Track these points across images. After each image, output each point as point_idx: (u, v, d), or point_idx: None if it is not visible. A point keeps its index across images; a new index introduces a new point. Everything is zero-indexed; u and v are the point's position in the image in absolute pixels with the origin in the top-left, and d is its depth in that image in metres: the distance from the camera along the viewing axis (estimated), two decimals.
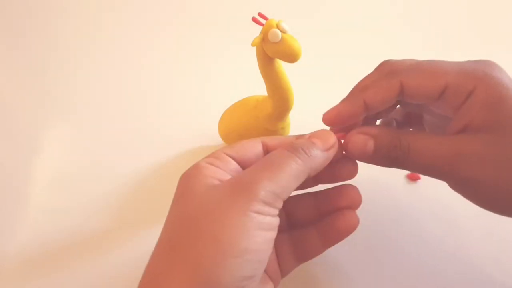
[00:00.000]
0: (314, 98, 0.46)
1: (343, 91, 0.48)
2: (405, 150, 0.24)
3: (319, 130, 0.25)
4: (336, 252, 0.35)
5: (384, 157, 0.25)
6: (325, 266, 0.34)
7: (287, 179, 0.21)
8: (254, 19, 0.26)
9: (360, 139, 0.25)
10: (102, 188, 0.39)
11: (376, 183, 0.39)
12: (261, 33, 0.27)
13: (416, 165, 0.24)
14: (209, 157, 0.23)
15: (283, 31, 0.26)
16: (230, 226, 0.19)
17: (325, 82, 0.47)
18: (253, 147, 0.24)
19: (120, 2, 0.57)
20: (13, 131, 0.44)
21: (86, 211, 0.37)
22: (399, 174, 0.40)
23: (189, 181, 0.22)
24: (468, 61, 0.24)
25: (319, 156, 0.23)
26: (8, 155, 0.42)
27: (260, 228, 0.19)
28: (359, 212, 0.37)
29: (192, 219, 0.20)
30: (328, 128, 0.27)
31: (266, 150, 0.25)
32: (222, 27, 0.55)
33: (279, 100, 0.32)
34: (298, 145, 0.23)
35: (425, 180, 0.39)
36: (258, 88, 0.33)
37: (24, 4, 0.56)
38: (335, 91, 0.47)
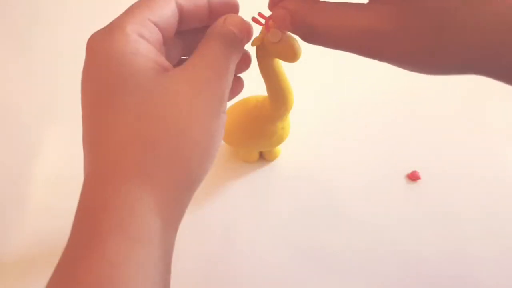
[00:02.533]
0: (314, 98, 0.46)
1: (343, 91, 0.48)
2: (310, 30, 0.23)
3: (233, 17, 0.24)
4: (336, 251, 0.35)
5: (299, 34, 0.24)
6: (324, 265, 0.34)
7: (232, 72, 0.23)
8: (254, 19, 0.26)
9: (279, 14, 0.24)
10: None
11: (376, 183, 0.39)
12: (261, 32, 0.27)
13: (327, 44, 0.23)
14: (133, 22, 0.21)
15: (283, 31, 0.26)
16: (207, 129, 0.21)
17: (325, 82, 0.47)
18: (168, 5, 0.23)
19: (121, 4, 0.57)
20: (14, 131, 0.44)
21: None
22: (399, 174, 0.40)
23: (124, 60, 0.20)
24: None
25: (243, 44, 0.24)
26: (8, 155, 0.42)
27: (223, 125, 0.22)
28: (359, 211, 0.37)
29: (164, 117, 0.20)
30: None
31: (180, 7, 0.23)
32: None
33: (279, 100, 0.32)
34: (231, 40, 0.23)
35: (425, 180, 0.39)
36: (258, 88, 0.33)
37: (26, 5, 0.56)
38: (335, 91, 0.47)
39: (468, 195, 0.38)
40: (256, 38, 0.27)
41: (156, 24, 0.22)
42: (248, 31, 0.24)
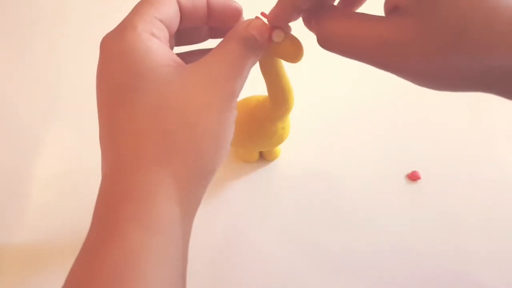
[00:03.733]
0: (315, 98, 0.46)
1: (343, 91, 0.48)
2: (329, 35, 0.23)
3: (256, 22, 0.25)
4: (336, 250, 0.35)
5: (317, 37, 0.24)
6: (324, 264, 0.34)
7: (247, 73, 0.24)
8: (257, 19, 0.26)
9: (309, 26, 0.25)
10: None
11: (376, 183, 0.39)
12: None
13: (343, 52, 0.24)
14: (143, 21, 0.21)
15: (286, 31, 0.26)
16: (222, 123, 0.22)
17: (326, 82, 0.47)
18: (171, 3, 0.23)
19: (120, 4, 0.57)
20: (14, 130, 0.44)
21: (87, 211, 0.37)
22: (399, 174, 0.40)
23: (139, 58, 0.21)
24: None
25: (263, 49, 0.25)
26: (9, 155, 0.42)
27: (234, 120, 0.23)
28: (359, 211, 0.37)
29: (180, 109, 0.21)
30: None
31: (180, 6, 0.24)
32: None
33: (280, 100, 0.32)
34: (251, 43, 0.24)
35: (425, 180, 0.39)
36: (258, 88, 0.33)
37: (25, 4, 0.56)
38: (335, 91, 0.47)
39: (468, 195, 0.38)
40: None
41: (162, 22, 0.22)
42: (268, 36, 0.25)
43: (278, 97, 0.32)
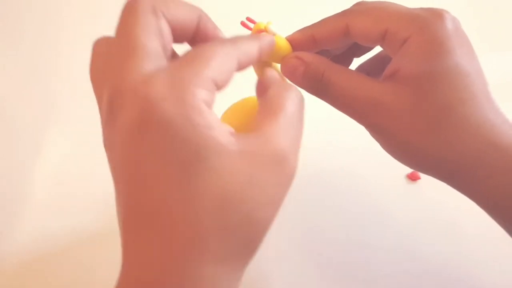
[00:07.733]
0: (314, 97, 0.46)
1: None
2: (325, 84, 0.25)
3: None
4: (336, 250, 0.35)
5: (308, 86, 0.25)
6: (324, 264, 0.34)
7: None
8: (242, 24, 0.26)
9: (292, 63, 0.26)
10: (103, 188, 0.39)
11: (376, 183, 0.39)
12: None
13: (334, 103, 0.25)
14: (202, 87, 0.18)
15: (271, 34, 0.26)
16: (276, 213, 0.20)
17: None
18: (229, 62, 0.20)
19: (120, 5, 0.57)
20: (14, 131, 0.44)
21: (87, 212, 0.38)
22: (399, 174, 0.40)
23: (203, 136, 0.17)
24: (418, 8, 0.24)
25: None
26: (9, 155, 0.42)
27: None
28: (359, 211, 0.37)
29: (246, 206, 0.18)
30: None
31: (239, 65, 0.21)
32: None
33: None
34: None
35: (425, 180, 0.39)
36: None
37: (25, 4, 0.56)
38: None
39: None
40: None
41: (216, 85, 0.19)
42: None
43: None
